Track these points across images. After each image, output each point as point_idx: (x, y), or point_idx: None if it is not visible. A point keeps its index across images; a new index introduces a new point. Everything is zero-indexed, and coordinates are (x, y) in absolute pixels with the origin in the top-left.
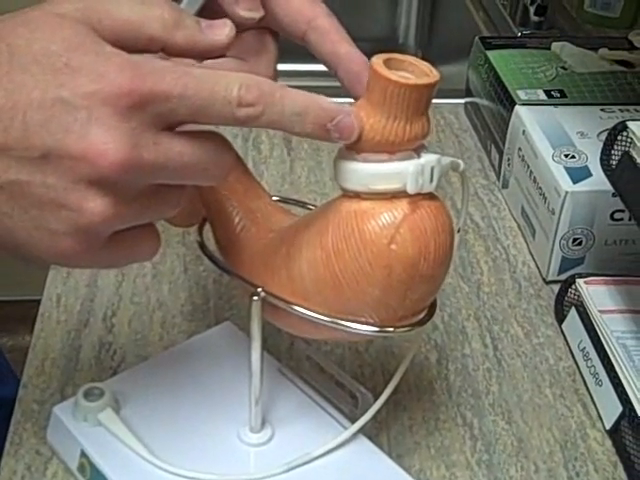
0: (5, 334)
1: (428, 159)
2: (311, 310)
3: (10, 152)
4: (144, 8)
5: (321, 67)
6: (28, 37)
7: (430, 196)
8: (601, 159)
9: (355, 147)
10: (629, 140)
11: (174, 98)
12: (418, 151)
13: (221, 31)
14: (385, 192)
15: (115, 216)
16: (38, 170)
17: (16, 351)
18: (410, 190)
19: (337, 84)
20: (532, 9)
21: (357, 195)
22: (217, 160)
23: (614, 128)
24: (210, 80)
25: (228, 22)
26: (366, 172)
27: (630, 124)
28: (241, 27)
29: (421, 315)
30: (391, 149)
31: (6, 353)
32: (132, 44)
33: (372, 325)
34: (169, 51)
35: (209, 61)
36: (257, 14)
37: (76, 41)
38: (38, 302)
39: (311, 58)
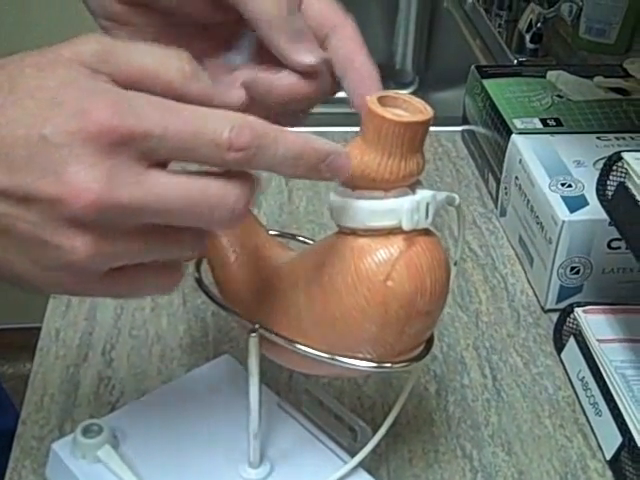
0: (5, 362)
1: (423, 195)
2: (308, 346)
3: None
4: (165, 56)
5: (338, 95)
6: (31, 74)
7: (426, 232)
8: (597, 189)
9: (350, 184)
10: (624, 171)
11: (154, 138)
12: (413, 187)
13: (234, 94)
14: (381, 229)
15: (100, 254)
16: (23, 207)
17: (17, 379)
18: (405, 227)
19: (347, 111)
20: (528, 36)
21: (353, 232)
22: (219, 204)
23: (609, 159)
24: (197, 121)
25: (241, 88)
26: (361, 209)
27: (625, 155)
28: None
29: (419, 350)
30: (386, 186)
31: (7, 381)
32: (147, 91)
33: (370, 361)
34: (182, 101)
35: (266, 74)
36: (319, 57)
37: (71, 78)
38: (39, 329)
39: None
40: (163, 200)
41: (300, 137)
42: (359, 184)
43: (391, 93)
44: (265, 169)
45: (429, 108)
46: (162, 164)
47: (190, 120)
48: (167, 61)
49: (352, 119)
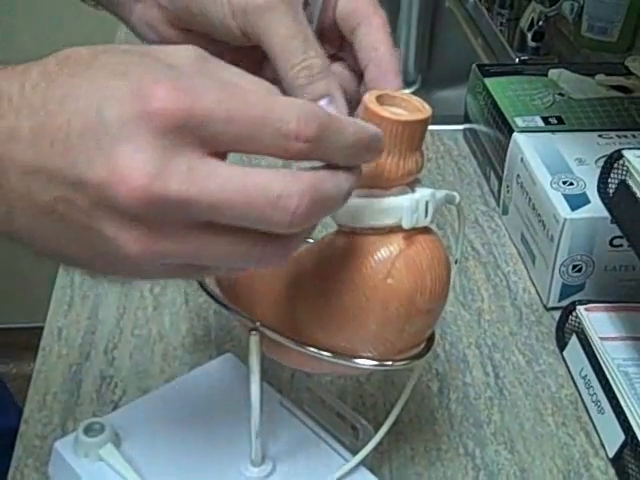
0: (10, 361)
1: (423, 194)
2: (309, 345)
3: (52, 174)
4: (256, 80)
5: None
6: (109, 54)
7: (425, 230)
8: (598, 187)
9: None
10: (625, 169)
11: (216, 122)
12: (412, 186)
13: None
14: (380, 227)
15: (152, 252)
16: (76, 192)
17: (21, 378)
18: (405, 225)
19: None
20: (529, 35)
21: (352, 230)
22: (279, 204)
23: (610, 157)
24: (263, 107)
25: None
26: (360, 208)
27: (625, 153)
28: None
29: (420, 348)
30: (385, 185)
31: (11, 381)
32: None
33: (371, 359)
34: None
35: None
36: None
37: (137, 59)
38: (42, 329)
39: None
40: (219, 194)
41: (354, 124)
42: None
43: (389, 92)
44: (322, 160)
45: (427, 106)
46: (221, 156)
47: (256, 105)
48: (256, 79)
49: None
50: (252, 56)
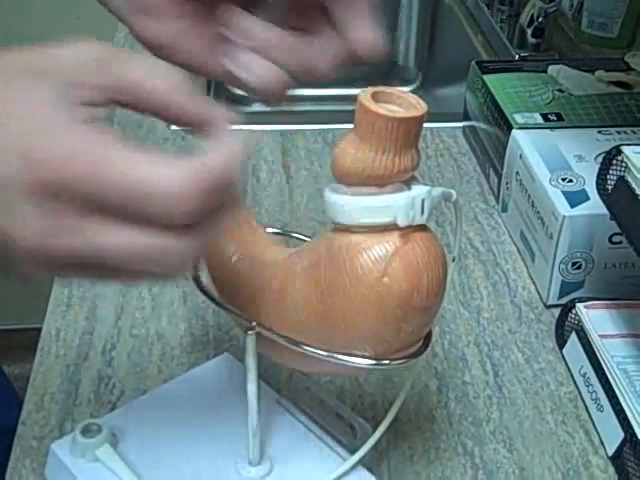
0: (12, 362)
1: (418, 191)
2: (306, 344)
3: None
4: (158, 66)
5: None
6: (13, 86)
7: (422, 228)
8: (597, 184)
9: (345, 181)
10: (624, 165)
11: (87, 193)
12: (408, 183)
13: (222, 117)
14: (376, 225)
15: (49, 248)
16: None
17: (23, 379)
18: (401, 223)
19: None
20: (529, 31)
21: (348, 229)
22: (163, 261)
23: (609, 153)
24: (134, 179)
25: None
26: (356, 206)
27: (624, 149)
28: None
29: (417, 346)
30: (381, 182)
31: (13, 381)
32: (133, 98)
33: (368, 358)
34: (167, 111)
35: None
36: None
37: (40, 104)
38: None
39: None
40: (102, 252)
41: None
42: (353, 180)
43: (384, 88)
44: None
45: (423, 103)
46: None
47: (127, 177)
48: (157, 70)
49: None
50: None
